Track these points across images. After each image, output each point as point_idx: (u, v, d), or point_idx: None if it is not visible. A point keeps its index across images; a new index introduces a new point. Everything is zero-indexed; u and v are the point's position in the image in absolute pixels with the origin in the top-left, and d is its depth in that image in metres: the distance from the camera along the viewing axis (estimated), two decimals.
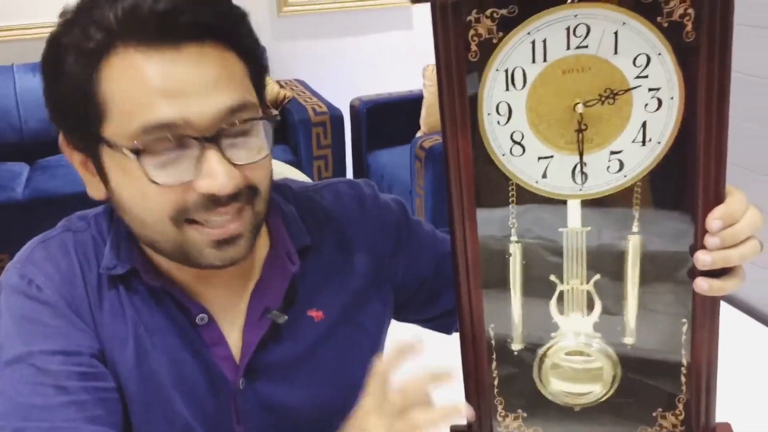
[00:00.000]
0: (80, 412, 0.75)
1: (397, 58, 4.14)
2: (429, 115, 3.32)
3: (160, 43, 0.69)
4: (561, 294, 0.75)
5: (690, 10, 0.62)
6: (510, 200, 0.73)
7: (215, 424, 0.83)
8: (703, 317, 0.73)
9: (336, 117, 3.36)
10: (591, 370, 0.76)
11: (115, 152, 0.71)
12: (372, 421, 0.68)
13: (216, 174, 0.69)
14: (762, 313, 2.66)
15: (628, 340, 0.76)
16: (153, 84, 0.68)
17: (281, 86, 3.67)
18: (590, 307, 0.75)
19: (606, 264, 0.74)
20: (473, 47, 0.65)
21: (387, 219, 0.94)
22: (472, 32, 0.64)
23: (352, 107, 3.63)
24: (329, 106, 3.41)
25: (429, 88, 3.33)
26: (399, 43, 4.16)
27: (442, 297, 0.97)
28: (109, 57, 0.70)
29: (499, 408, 0.80)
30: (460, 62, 0.65)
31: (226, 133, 0.70)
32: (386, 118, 3.53)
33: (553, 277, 0.75)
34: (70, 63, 0.70)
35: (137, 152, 0.69)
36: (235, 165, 0.71)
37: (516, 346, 0.78)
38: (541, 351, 0.77)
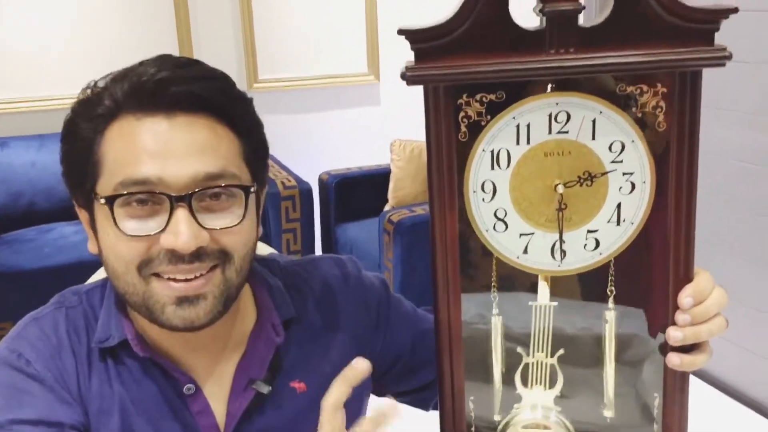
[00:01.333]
0: None
1: (366, 132, 4.23)
2: (397, 189, 3.37)
3: (155, 109, 0.75)
4: (525, 366, 0.78)
5: (662, 103, 0.67)
6: (492, 275, 0.76)
7: None
8: (674, 391, 0.76)
9: (305, 190, 3.39)
10: None
11: (100, 205, 0.76)
12: None
13: (180, 232, 0.73)
14: (730, 387, 2.70)
15: (608, 413, 0.78)
16: (140, 144, 0.74)
17: None
18: (554, 381, 0.78)
19: (581, 338, 0.77)
20: (463, 128, 0.69)
21: (369, 296, 0.97)
22: (462, 114, 0.69)
23: (321, 181, 3.68)
24: (298, 179, 3.44)
25: (397, 163, 3.39)
26: (367, 118, 4.26)
27: (418, 372, 0.99)
28: (113, 123, 0.76)
29: None
30: (450, 142, 0.69)
31: (199, 196, 0.74)
32: (355, 192, 3.58)
33: (519, 350, 0.78)
34: (82, 128, 0.77)
35: (111, 201, 0.74)
36: (204, 227, 0.75)
37: (497, 417, 0.80)
38: (501, 423, 0.79)
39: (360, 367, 0.73)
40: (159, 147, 0.74)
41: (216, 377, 0.86)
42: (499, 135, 0.70)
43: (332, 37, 4.08)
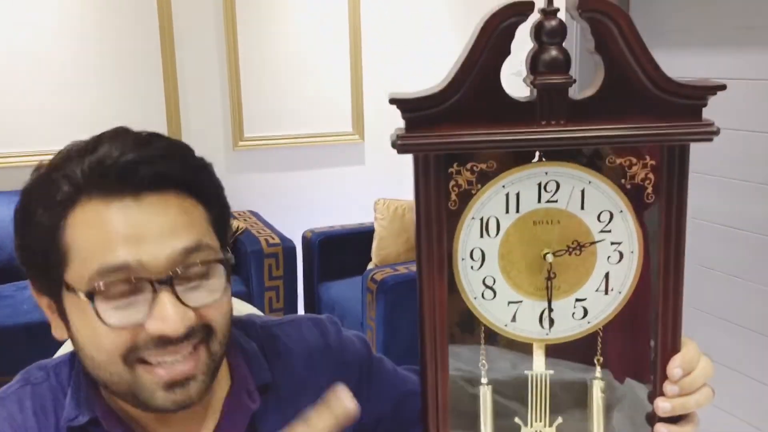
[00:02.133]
0: None
1: (350, 191, 4.25)
2: (380, 248, 3.37)
3: (121, 192, 0.72)
4: None
5: (650, 175, 0.68)
6: (481, 343, 0.75)
7: None
8: None
9: (288, 248, 3.38)
10: None
11: (73, 295, 0.72)
12: None
13: (167, 316, 0.70)
14: None
15: None
16: (111, 229, 0.71)
17: (235, 218, 3.70)
18: None
19: (570, 406, 0.77)
20: (453, 196, 0.69)
21: (350, 357, 0.95)
22: (452, 183, 0.69)
23: (305, 239, 3.67)
24: (282, 237, 3.44)
25: (380, 222, 3.40)
26: (351, 177, 4.28)
27: None
28: (75, 208, 0.72)
29: None
30: (440, 209, 0.69)
31: (180, 275, 0.72)
32: (338, 250, 3.57)
33: (517, 419, 0.77)
34: (39, 214, 0.74)
35: (91, 294, 0.70)
36: (188, 306, 0.72)
37: None
38: None
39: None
40: (132, 230, 0.71)
41: None
42: (489, 203, 0.70)
43: (318, 96, 4.13)
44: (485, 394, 0.77)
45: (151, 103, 3.79)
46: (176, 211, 0.74)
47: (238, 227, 3.50)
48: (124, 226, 0.71)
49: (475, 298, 0.73)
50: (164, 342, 0.72)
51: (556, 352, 0.76)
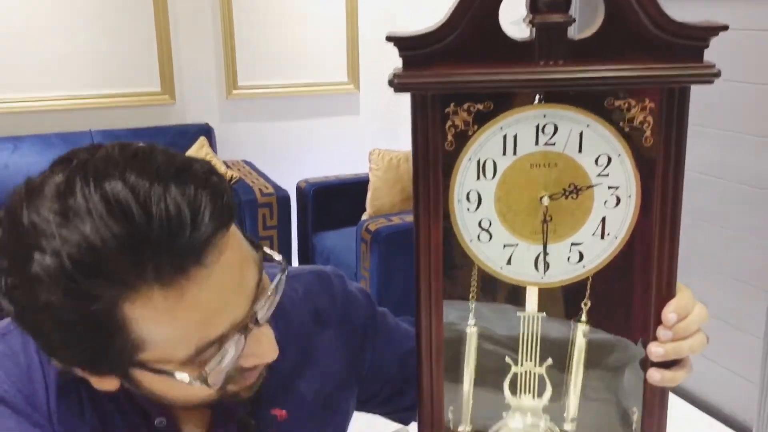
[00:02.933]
0: None
1: (344, 142, 4.23)
2: (375, 198, 3.37)
3: (184, 268, 0.60)
4: (514, 376, 0.77)
5: (649, 118, 0.68)
6: (472, 286, 0.75)
7: None
8: (653, 406, 0.76)
9: (282, 198, 3.38)
10: None
11: (155, 374, 0.66)
12: None
13: (265, 351, 0.70)
14: (708, 404, 2.72)
15: (568, 426, 0.78)
16: (195, 311, 0.62)
17: (228, 167, 3.69)
18: (542, 389, 0.77)
19: (556, 350, 0.77)
20: (449, 137, 0.68)
21: (355, 314, 0.94)
22: (449, 123, 0.68)
23: (299, 189, 3.66)
24: (276, 187, 3.43)
25: (375, 172, 3.39)
26: (346, 127, 4.26)
27: (404, 395, 0.97)
28: (133, 301, 0.61)
29: None
30: (437, 151, 0.68)
31: (258, 307, 0.68)
32: (332, 201, 3.57)
33: (507, 359, 0.77)
34: (72, 316, 0.61)
35: (204, 378, 0.65)
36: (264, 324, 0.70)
37: (465, 428, 0.79)
38: (492, 431, 0.78)
39: None
40: (216, 302, 0.63)
41: (192, 411, 0.81)
42: (486, 145, 0.69)
43: (313, 45, 4.08)
44: (471, 335, 0.77)
45: (143, 52, 3.74)
46: (234, 251, 0.65)
47: (231, 177, 3.48)
48: (207, 300, 0.62)
49: (470, 241, 0.73)
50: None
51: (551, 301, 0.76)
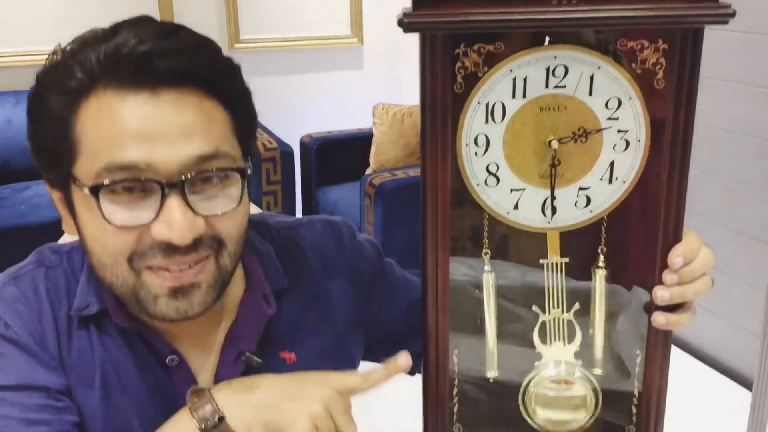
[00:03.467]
0: None
1: (348, 96, 4.20)
2: (378, 153, 3.36)
3: (138, 85, 0.68)
4: (543, 324, 0.77)
5: (662, 60, 0.67)
6: (483, 233, 0.75)
7: None
8: (656, 349, 0.77)
9: (286, 153, 3.37)
10: (573, 398, 0.78)
11: (80, 190, 0.70)
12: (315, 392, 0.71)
13: (174, 222, 0.68)
14: (709, 356, 2.75)
15: (597, 371, 0.78)
16: (124, 125, 0.67)
17: None
18: (572, 335, 0.77)
19: (572, 297, 0.77)
20: (459, 79, 0.68)
21: (363, 263, 0.94)
22: (458, 65, 0.67)
23: (303, 144, 3.65)
24: (279, 142, 3.41)
25: (379, 127, 3.38)
26: (349, 81, 4.22)
27: (409, 344, 0.97)
28: (89, 98, 0.69)
29: None
30: (446, 93, 0.68)
31: (192, 180, 0.69)
32: (336, 155, 3.56)
33: (535, 308, 0.77)
34: (53, 102, 0.70)
35: (96, 190, 0.68)
36: (199, 214, 0.70)
37: (491, 374, 0.79)
38: (525, 382, 0.79)
39: (402, 363, 0.72)
40: (146, 128, 0.67)
41: (202, 347, 0.82)
42: (495, 87, 0.68)
43: None
44: (488, 282, 0.77)
45: (143, 5, 3.69)
46: (195, 111, 0.69)
47: None
48: (138, 122, 0.67)
49: (477, 185, 0.73)
50: (170, 249, 0.69)
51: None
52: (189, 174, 0.68)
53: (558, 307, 0.77)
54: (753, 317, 2.51)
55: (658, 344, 0.77)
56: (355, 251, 0.94)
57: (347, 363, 0.93)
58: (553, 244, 0.74)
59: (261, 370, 0.82)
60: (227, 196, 0.72)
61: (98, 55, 0.68)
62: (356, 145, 3.55)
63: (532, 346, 0.78)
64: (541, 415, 0.79)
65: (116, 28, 0.69)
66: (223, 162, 0.71)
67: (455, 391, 0.80)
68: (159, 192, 0.68)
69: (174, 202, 0.68)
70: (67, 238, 0.94)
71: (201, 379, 0.82)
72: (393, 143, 3.34)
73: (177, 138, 0.68)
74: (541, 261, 0.75)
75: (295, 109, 4.12)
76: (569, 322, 0.77)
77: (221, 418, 0.69)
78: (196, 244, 0.70)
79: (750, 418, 2.27)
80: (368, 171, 3.36)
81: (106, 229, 0.69)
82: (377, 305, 0.95)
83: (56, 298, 0.79)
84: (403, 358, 0.73)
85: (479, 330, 0.78)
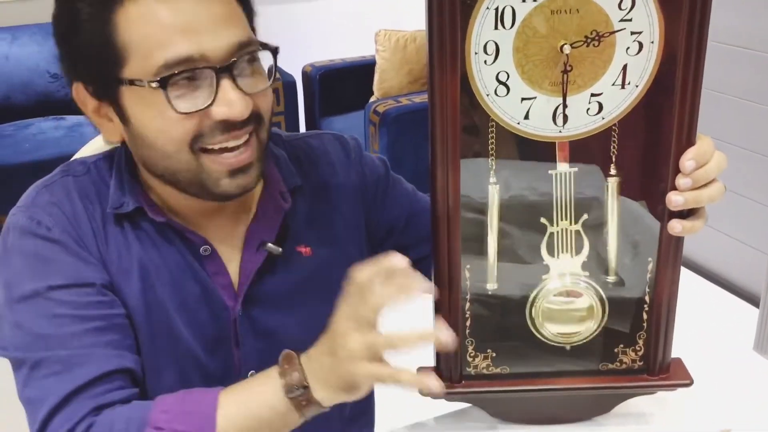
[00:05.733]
0: (97, 337, 0.79)
1: (349, 23, 4.11)
2: (382, 81, 3.32)
3: None
4: (551, 236, 0.77)
5: None
6: (490, 144, 0.74)
7: (215, 348, 0.89)
8: (668, 256, 0.77)
9: (289, 83, 3.33)
10: (578, 310, 0.79)
11: (137, 89, 0.76)
12: (344, 326, 0.73)
13: (232, 101, 0.76)
14: (715, 274, 2.76)
15: (610, 278, 0.79)
16: (167, 23, 0.74)
17: None
18: (579, 247, 0.77)
19: (584, 206, 0.77)
20: None
21: (369, 171, 0.99)
22: None
23: (305, 73, 3.60)
24: (281, 72, 3.36)
25: (382, 54, 3.32)
26: (351, 8, 4.13)
27: (411, 249, 0.99)
28: (124, 4, 0.74)
29: (470, 348, 0.82)
30: None
31: (237, 64, 0.76)
32: (339, 84, 3.52)
33: (543, 220, 0.77)
34: (86, 15, 0.76)
35: (164, 83, 0.74)
36: (247, 93, 0.77)
37: (491, 287, 0.80)
38: (531, 296, 0.79)
39: (395, 262, 0.73)
40: (189, 24, 0.74)
41: (229, 240, 0.89)
42: None
43: None
44: (493, 194, 0.76)
45: None
46: (221, 3, 0.77)
47: None
48: (178, 18, 0.74)
49: (487, 95, 0.71)
50: (228, 127, 0.77)
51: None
52: (234, 59, 0.76)
53: (566, 219, 0.76)
54: (759, 235, 2.52)
55: (671, 251, 0.77)
56: (361, 160, 1.00)
57: (352, 261, 0.95)
58: (561, 154, 0.74)
59: (281, 260, 0.90)
60: (261, 76, 0.81)
61: None
62: (359, 73, 3.50)
63: (538, 260, 0.78)
64: (549, 328, 0.80)
65: None
66: (255, 46, 0.79)
67: (467, 305, 0.80)
68: (212, 78, 0.75)
69: (227, 84, 0.76)
70: (85, 152, 0.98)
71: (229, 268, 0.89)
72: (396, 70, 3.29)
73: (216, 28, 0.75)
74: (549, 171, 0.74)
75: (296, 38, 4.04)
76: (577, 233, 0.77)
77: (305, 387, 0.74)
78: (248, 120, 0.78)
79: (756, 334, 2.30)
80: (372, 99, 3.32)
81: (170, 119, 0.76)
82: (379, 209, 1.00)
83: (88, 201, 0.85)
84: (434, 381, 0.74)
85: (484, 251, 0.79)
